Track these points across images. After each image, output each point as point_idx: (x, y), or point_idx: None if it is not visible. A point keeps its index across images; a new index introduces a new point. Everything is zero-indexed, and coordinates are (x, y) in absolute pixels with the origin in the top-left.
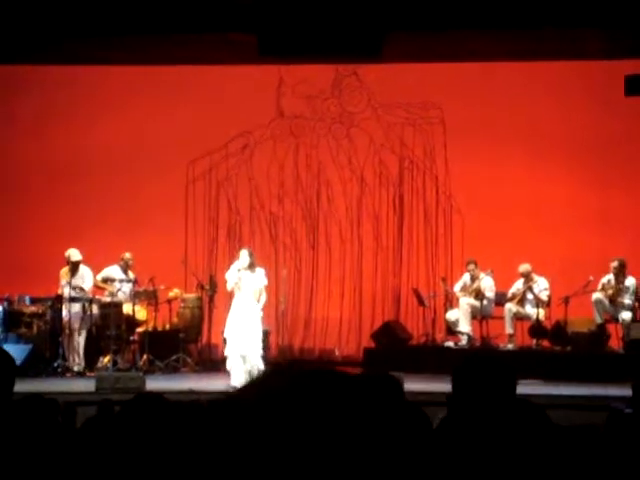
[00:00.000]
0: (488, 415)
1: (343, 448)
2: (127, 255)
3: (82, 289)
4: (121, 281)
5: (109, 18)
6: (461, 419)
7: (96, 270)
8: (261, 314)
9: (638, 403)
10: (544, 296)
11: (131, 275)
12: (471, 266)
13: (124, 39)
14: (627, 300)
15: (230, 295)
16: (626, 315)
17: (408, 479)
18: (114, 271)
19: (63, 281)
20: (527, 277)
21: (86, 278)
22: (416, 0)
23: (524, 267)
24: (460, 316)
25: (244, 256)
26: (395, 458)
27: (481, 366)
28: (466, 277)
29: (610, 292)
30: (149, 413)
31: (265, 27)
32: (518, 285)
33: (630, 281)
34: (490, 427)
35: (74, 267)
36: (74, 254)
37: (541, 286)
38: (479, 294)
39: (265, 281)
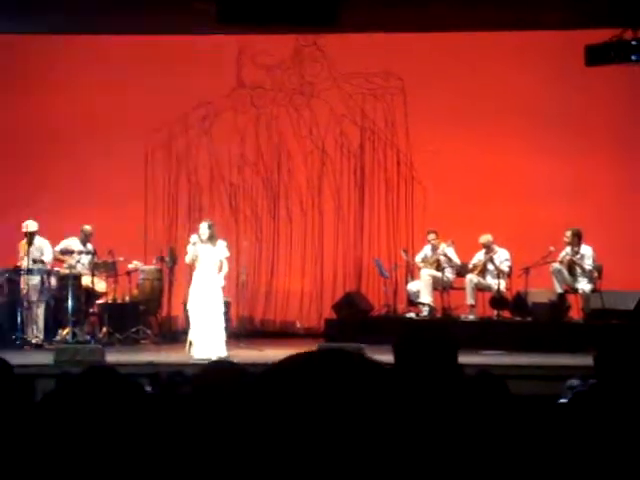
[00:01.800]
0: (429, 386)
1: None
2: (87, 227)
3: (42, 262)
4: (80, 253)
5: None
6: (402, 391)
7: (54, 242)
8: (222, 284)
9: (599, 374)
10: (505, 267)
11: (90, 247)
12: (432, 236)
13: (80, 7)
14: (586, 266)
15: (190, 267)
16: (585, 286)
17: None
18: (73, 243)
19: (21, 252)
20: (488, 248)
21: (45, 250)
22: None
23: (485, 238)
24: (421, 287)
25: (203, 229)
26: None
27: (421, 337)
28: (427, 248)
29: (567, 259)
30: (102, 386)
31: None
32: (479, 256)
33: (585, 249)
34: (431, 398)
35: (30, 238)
36: (30, 225)
37: (502, 257)
38: (440, 265)
39: (227, 253)
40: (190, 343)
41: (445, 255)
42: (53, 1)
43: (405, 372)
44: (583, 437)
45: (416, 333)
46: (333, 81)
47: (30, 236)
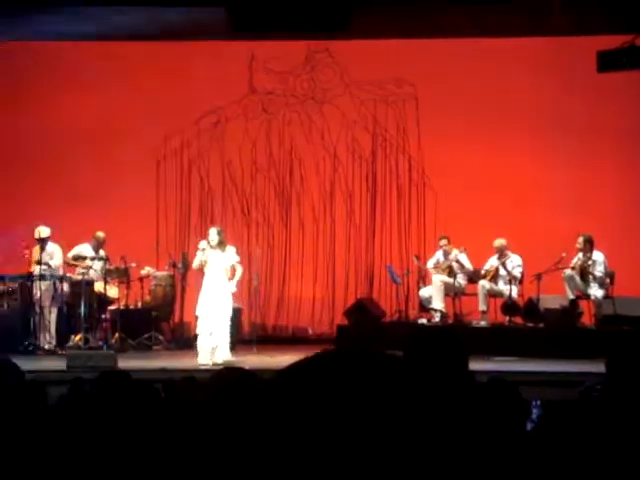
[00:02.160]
0: (439, 391)
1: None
2: (100, 234)
3: (49, 266)
4: (92, 259)
5: None
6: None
7: (67, 248)
8: (234, 290)
9: (611, 380)
10: (517, 273)
11: (102, 253)
12: (443, 241)
13: (96, 12)
14: (597, 273)
15: (202, 273)
16: (597, 292)
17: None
18: (85, 249)
19: (34, 258)
20: (501, 252)
21: (55, 255)
22: None
23: (499, 242)
24: (433, 293)
25: (212, 234)
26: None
27: (430, 343)
28: (439, 254)
29: (579, 265)
30: (116, 391)
31: (236, 2)
32: (492, 261)
33: (597, 255)
34: (441, 403)
35: (42, 243)
36: (42, 230)
37: (514, 262)
38: (452, 271)
39: (236, 258)
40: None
41: (458, 261)
42: (62, 7)
43: (415, 378)
44: (593, 442)
45: (425, 339)
46: (345, 87)
47: (42, 242)
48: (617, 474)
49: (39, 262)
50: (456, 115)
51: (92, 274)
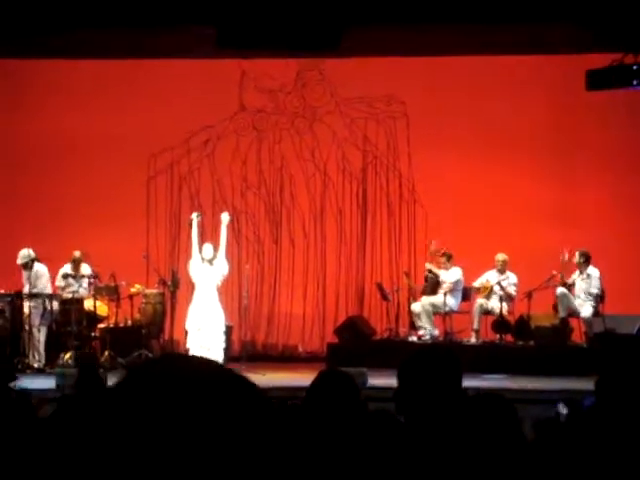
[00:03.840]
0: (434, 409)
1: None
2: (76, 254)
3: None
4: (66, 276)
5: (67, 11)
6: (408, 414)
7: (57, 265)
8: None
9: (601, 397)
10: (512, 291)
11: (84, 270)
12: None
13: (83, 32)
14: (593, 289)
15: (193, 289)
16: (587, 309)
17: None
18: (66, 269)
19: (24, 277)
20: (502, 267)
21: (38, 281)
22: None
23: (502, 257)
24: (421, 314)
25: (208, 249)
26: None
27: (426, 361)
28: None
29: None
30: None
31: (224, 19)
32: (490, 276)
33: (593, 271)
34: (436, 421)
35: (26, 266)
36: (21, 256)
37: (511, 281)
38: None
39: (225, 265)
40: None
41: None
42: (54, 25)
43: (409, 395)
44: (585, 459)
45: (420, 356)
46: (335, 105)
47: (25, 265)
48: None
49: (28, 281)
50: (446, 133)
51: (82, 292)
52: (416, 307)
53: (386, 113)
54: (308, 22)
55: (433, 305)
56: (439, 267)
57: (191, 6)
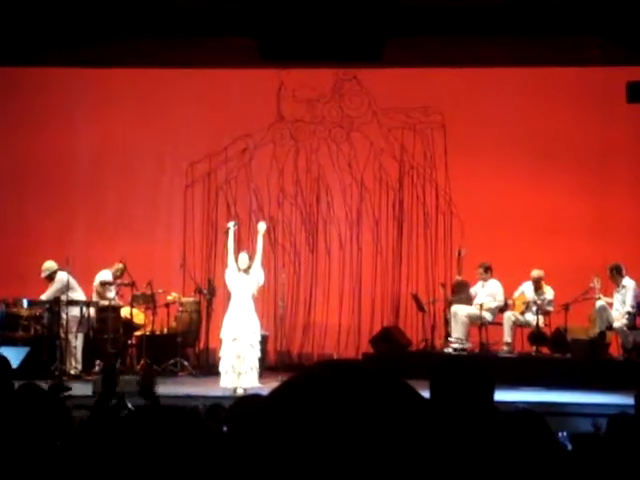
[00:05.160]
0: (466, 422)
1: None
2: (119, 265)
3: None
4: (109, 284)
5: (111, 20)
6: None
7: (93, 272)
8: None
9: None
10: (549, 307)
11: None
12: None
13: (126, 41)
14: (628, 300)
15: (229, 298)
16: (621, 322)
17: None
18: (105, 275)
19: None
20: (538, 284)
21: (65, 284)
22: (416, 5)
23: (537, 273)
24: (457, 326)
25: (244, 258)
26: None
27: (458, 373)
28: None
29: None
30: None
31: (266, 31)
32: (527, 290)
33: (628, 282)
34: (468, 434)
35: (51, 278)
36: (45, 269)
37: (547, 297)
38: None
39: (261, 275)
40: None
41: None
42: (99, 34)
43: (441, 407)
44: (625, 473)
45: (452, 368)
46: (373, 115)
47: (50, 277)
48: None
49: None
50: (484, 144)
51: (118, 300)
52: (457, 310)
53: (423, 123)
54: (351, 33)
55: (469, 316)
56: (476, 279)
57: (233, 18)
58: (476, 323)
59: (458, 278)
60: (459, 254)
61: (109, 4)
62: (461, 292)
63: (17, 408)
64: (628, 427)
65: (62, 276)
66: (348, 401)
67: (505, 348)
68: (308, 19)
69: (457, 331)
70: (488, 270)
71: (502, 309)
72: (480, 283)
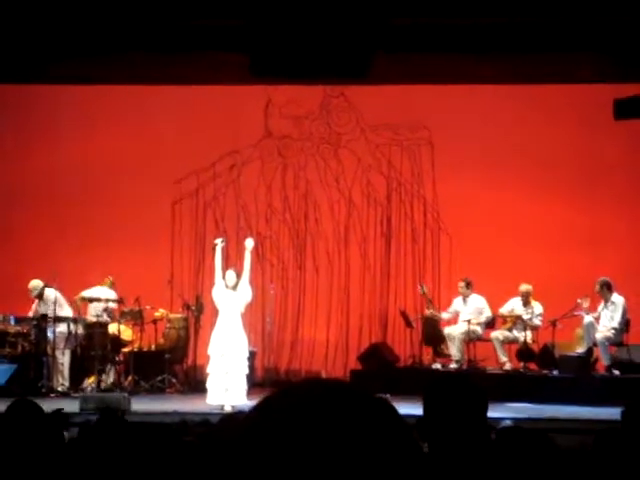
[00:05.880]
0: (459, 439)
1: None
2: (110, 278)
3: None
4: (106, 300)
5: (97, 37)
6: (432, 442)
7: (78, 288)
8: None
9: (627, 426)
10: (538, 321)
11: (114, 295)
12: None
13: (113, 57)
14: (616, 316)
15: (216, 314)
16: (607, 336)
17: None
18: (102, 291)
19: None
20: (526, 299)
21: (54, 300)
22: (403, 22)
23: (525, 287)
24: (453, 342)
25: (231, 275)
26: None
27: (451, 389)
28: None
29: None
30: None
31: (256, 48)
32: (515, 306)
33: (617, 298)
34: (461, 451)
35: (40, 297)
36: (32, 288)
37: (536, 312)
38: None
39: (249, 291)
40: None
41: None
42: (81, 51)
43: (434, 423)
44: None
45: (445, 385)
46: (360, 131)
47: (40, 295)
48: None
49: (54, 304)
50: (471, 160)
51: (106, 316)
52: (452, 331)
53: (411, 140)
54: (337, 50)
55: (463, 333)
56: (458, 294)
57: (223, 34)
58: (471, 338)
59: (427, 313)
60: (423, 291)
61: (95, 21)
62: (430, 328)
63: (12, 424)
64: (615, 442)
65: (50, 293)
66: (325, 421)
67: (506, 366)
68: (297, 36)
69: (453, 349)
70: (469, 285)
71: (490, 323)
72: (460, 298)
